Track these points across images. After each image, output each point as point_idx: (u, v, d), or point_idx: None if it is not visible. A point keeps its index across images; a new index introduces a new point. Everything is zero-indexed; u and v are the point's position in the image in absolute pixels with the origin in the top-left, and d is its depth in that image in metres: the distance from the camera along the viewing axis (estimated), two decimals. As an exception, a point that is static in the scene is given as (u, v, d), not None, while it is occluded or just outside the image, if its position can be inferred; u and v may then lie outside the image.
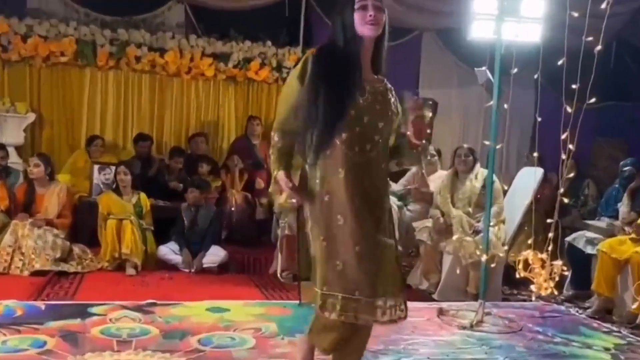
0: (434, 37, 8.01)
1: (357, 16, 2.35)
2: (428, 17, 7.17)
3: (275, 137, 2.38)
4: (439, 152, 5.75)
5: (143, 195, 5.55)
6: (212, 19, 6.82)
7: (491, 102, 3.79)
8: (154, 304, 4.04)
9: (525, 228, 5.11)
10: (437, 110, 7.76)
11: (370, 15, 2.34)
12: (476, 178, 5.00)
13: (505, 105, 3.99)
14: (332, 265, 2.25)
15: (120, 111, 6.84)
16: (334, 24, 2.43)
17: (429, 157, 5.53)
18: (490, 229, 4.48)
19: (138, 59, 6.62)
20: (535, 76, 4.09)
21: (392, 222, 2.41)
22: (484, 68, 4.90)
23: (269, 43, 7.10)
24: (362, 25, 2.34)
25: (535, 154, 4.23)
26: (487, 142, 3.83)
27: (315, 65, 2.38)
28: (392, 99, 2.49)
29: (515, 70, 4.11)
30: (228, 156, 6.77)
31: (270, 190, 2.65)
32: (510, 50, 4.38)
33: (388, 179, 2.51)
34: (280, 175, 2.31)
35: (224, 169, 6.62)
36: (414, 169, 5.50)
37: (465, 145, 5.26)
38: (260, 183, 6.55)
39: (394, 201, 5.23)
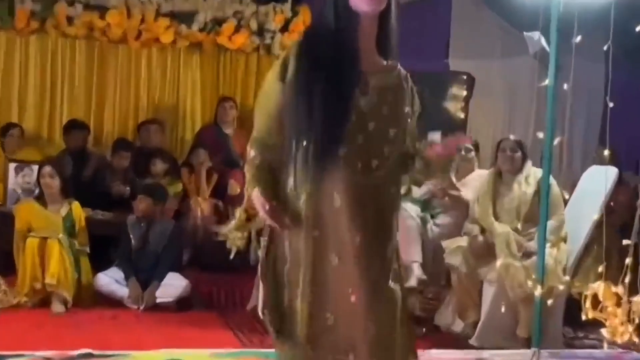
0: (467, -12, 8.02)
1: None
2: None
3: (252, 152, 2.39)
4: (476, 146, 5.70)
5: (76, 205, 5.51)
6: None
7: (546, 81, 3.73)
8: (90, 356, 3.99)
9: (595, 248, 5.07)
10: (473, 88, 7.77)
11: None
12: (527, 181, 4.96)
13: (565, 86, 3.94)
14: (321, 318, 2.25)
15: (46, 90, 6.81)
16: None
17: (462, 152, 5.48)
18: (547, 250, 4.43)
19: (70, 20, 6.62)
20: (606, 46, 4.04)
21: (398, 258, 2.40)
22: (536, 33, 4.85)
23: (247, -1, 7.08)
24: None
25: (607, 151, 4.18)
26: (540, 135, 3.78)
27: (300, 58, 2.32)
28: (408, 93, 2.42)
29: (579, 38, 4.06)
30: (192, 150, 6.73)
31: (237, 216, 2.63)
32: (571, 10, 4.33)
33: (400, 204, 2.48)
34: (255, 193, 2.32)
35: (185, 168, 6.58)
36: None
37: (511, 137, 5.22)
38: (234, 187, 6.49)
39: (415, 212, 5.18)
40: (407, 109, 2.40)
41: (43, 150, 6.55)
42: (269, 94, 2.36)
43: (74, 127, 6.57)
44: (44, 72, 6.77)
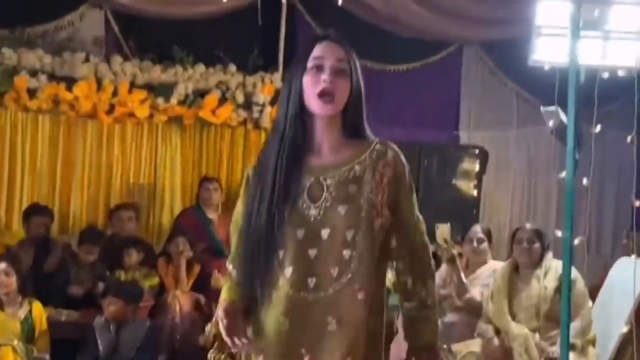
0: (479, 54, 8.16)
1: (306, 80, 2.37)
2: (471, 25, 7.29)
3: (229, 266, 2.52)
4: (488, 234, 5.66)
5: (36, 306, 5.44)
6: (146, 33, 6.92)
7: (563, 173, 3.72)
8: None
9: (629, 350, 4.98)
10: (486, 163, 7.80)
11: (324, 82, 2.30)
12: (546, 276, 4.91)
13: (585, 181, 3.93)
14: None
15: (4, 171, 6.81)
16: (282, 88, 2.49)
17: (474, 243, 5.44)
18: (571, 356, 4.34)
19: (32, 92, 6.67)
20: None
21: None
22: (554, 107, 4.89)
23: (232, 67, 7.17)
24: (312, 97, 2.35)
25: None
26: (559, 233, 3.75)
27: (253, 168, 2.49)
28: (384, 173, 2.40)
29: (598, 124, 4.08)
30: (170, 238, 6.68)
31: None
32: (594, 78, 4.38)
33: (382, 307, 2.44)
34: (220, 305, 2.41)
35: (163, 259, 6.52)
36: (445, 264, 5.40)
37: (528, 226, 5.19)
38: (218, 279, 6.42)
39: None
40: (380, 195, 2.36)
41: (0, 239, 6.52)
42: (237, 212, 2.50)
43: (35, 212, 6.50)
44: (1, 149, 6.77)
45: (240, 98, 7.12)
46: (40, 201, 6.72)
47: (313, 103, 2.34)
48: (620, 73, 5.11)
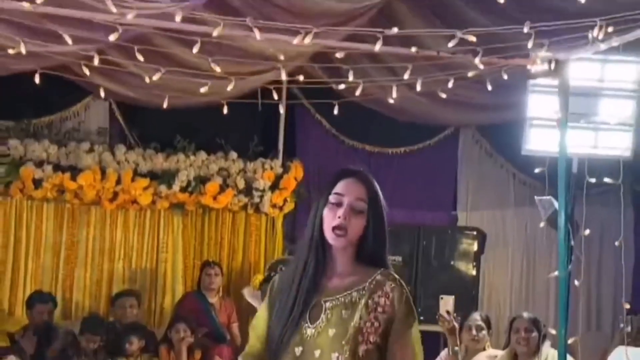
0: (476, 136, 8.23)
1: (326, 213, 2.55)
2: (467, 110, 7.39)
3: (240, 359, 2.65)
4: (487, 322, 5.67)
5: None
6: (149, 122, 7.02)
7: (555, 273, 3.77)
8: None
9: None
10: (484, 243, 7.82)
11: (339, 218, 2.46)
12: (545, 364, 4.90)
13: (576, 282, 3.98)
14: None
15: (8, 258, 6.84)
16: (310, 213, 2.62)
17: (473, 331, 5.45)
18: None
19: (38, 182, 6.76)
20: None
21: None
22: (548, 197, 4.97)
23: (233, 155, 7.29)
24: (327, 229, 2.53)
25: (628, 328, 4.16)
26: (553, 331, 3.77)
27: (279, 275, 2.64)
28: (379, 302, 2.48)
29: (587, 231, 4.15)
30: (171, 324, 6.67)
31: None
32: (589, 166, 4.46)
33: None
34: None
35: (164, 346, 6.50)
36: (443, 352, 5.40)
37: (525, 315, 5.19)
38: (221, 365, 6.45)
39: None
40: (369, 323, 2.45)
41: (3, 325, 6.50)
42: (258, 316, 2.63)
43: (38, 299, 6.49)
44: (6, 237, 6.82)
45: (241, 184, 7.22)
46: (43, 288, 6.74)
47: (328, 234, 2.50)
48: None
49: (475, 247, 7.77)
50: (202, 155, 7.20)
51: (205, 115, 6.86)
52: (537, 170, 4.84)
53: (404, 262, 7.20)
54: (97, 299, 7.04)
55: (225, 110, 6.34)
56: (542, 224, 4.62)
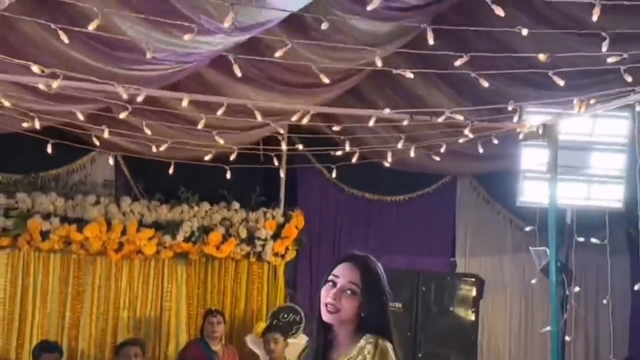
0: (473, 184, 8.32)
1: (322, 290, 2.80)
2: (464, 160, 7.46)
3: None
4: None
5: None
6: (154, 174, 7.08)
7: (548, 328, 3.84)
8: None
9: None
10: (483, 289, 7.86)
11: (329, 297, 2.72)
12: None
13: (567, 338, 4.04)
14: None
15: (15, 308, 6.86)
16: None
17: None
18: None
19: (45, 234, 6.81)
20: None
21: None
22: (542, 248, 5.05)
23: (235, 205, 7.40)
24: (322, 305, 2.78)
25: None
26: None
27: (306, 352, 2.96)
28: None
29: (577, 288, 4.24)
30: (175, 373, 6.73)
31: None
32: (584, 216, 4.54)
33: None
34: None
35: (168, 396, 6.54)
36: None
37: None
38: (222, 413, 6.47)
39: None
40: None
41: (9, 376, 6.56)
42: None
43: (45, 349, 6.48)
44: (14, 288, 6.84)
45: (243, 233, 7.30)
46: (49, 337, 6.76)
47: (322, 310, 2.74)
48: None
49: (474, 292, 7.82)
50: (206, 205, 7.31)
51: (208, 167, 6.88)
52: (528, 229, 4.96)
53: (404, 308, 7.25)
54: (102, 348, 7.06)
55: (229, 160, 6.40)
56: (533, 281, 4.70)
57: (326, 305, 2.71)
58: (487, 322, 8.08)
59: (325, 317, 2.73)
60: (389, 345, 2.68)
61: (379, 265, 2.81)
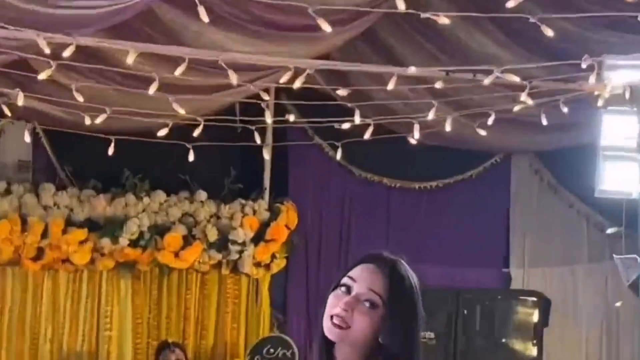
0: (534, 165, 8.30)
1: (330, 296, 2.73)
2: (521, 131, 7.45)
3: None
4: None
5: None
6: (87, 154, 7.16)
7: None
8: None
9: None
10: (549, 312, 7.91)
11: (339, 307, 2.65)
12: None
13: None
14: None
15: None
16: None
17: None
18: None
19: None
20: None
21: None
22: (634, 257, 5.13)
23: (201, 195, 7.46)
24: (326, 317, 2.70)
25: None
26: None
27: None
28: None
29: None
30: None
31: None
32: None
33: None
34: None
35: None
36: None
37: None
38: None
39: None
40: None
41: None
42: None
43: None
44: None
45: (212, 235, 7.35)
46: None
47: (325, 324, 2.65)
48: None
49: (535, 317, 7.90)
50: (160, 196, 7.38)
51: (163, 145, 6.80)
52: (611, 231, 5.03)
53: (437, 339, 7.35)
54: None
55: (193, 135, 6.43)
56: (618, 303, 4.78)
57: (332, 317, 2.64)
58: (554, 359, 8.11)
59: (329, 333, 2.66)
60: None
61: (414, 275, 2.75)
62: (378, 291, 2.66)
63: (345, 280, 2.68)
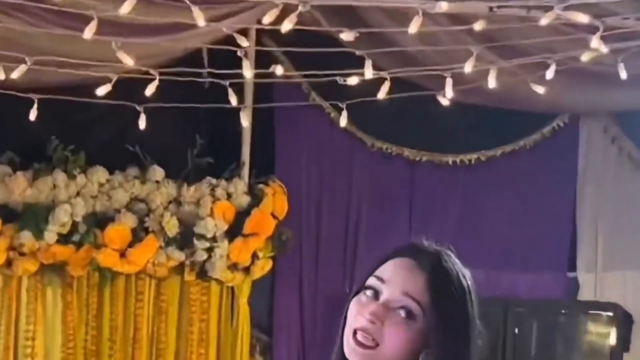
0: (610, 131, 8.31)
1: (351, 305, 2.74)
2: (591, 89, 7.46)
3: None
4: None
5: None
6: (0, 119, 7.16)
7: None
8: None
9: None
10: (630, 332, 7.95)
11: (366, 317, 2.66)
12: None
13: None
14: None
15: None
16: None
17: None
18: None
19: None
20: None
21: None
22: None
23: (156, 173, 7.53)
24: (347, 334, 2.72)
25: None
26: None
27: None
28: None
29: None
30: None
31: None
32: None
33: None
34: None
35: None
36: None
37: None
38: None
39: None
40: None
41: None
42: None
43: None
44: None
45: (171, 228, 7.42)
46: None
47: (347, 341, 2.69)
48: None
49: (612, 338, 7.93)
50: (100, 174, 7.42)
51: (105, 107, 6.85)
52: None
53: (480, 365, 7.39)
54: None
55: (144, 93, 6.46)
56: None
57: (356, 333, 2.67)
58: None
59: (352, 354, 2.69)
60: None
61: (466, 272, 2.73)
62: (416, 295, 2.66)
63: (371, 281, 2.71)
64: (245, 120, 7.04)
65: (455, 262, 2.72)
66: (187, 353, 7.63)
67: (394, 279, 2.68)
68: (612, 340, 7.89)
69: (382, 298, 2.66)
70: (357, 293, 2.72)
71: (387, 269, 2.70)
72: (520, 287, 8.17)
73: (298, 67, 7.03)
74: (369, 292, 2.68)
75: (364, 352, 2.65)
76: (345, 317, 2.72)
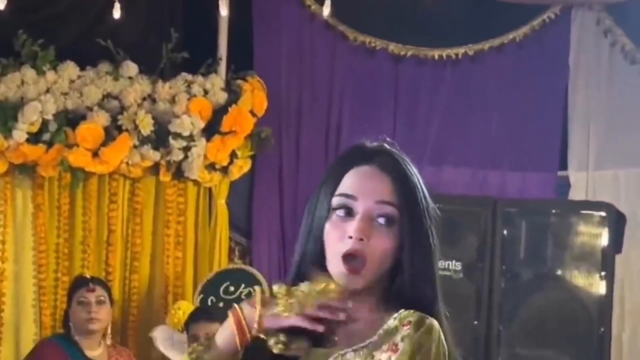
0: (604, 23, 8.29)
1: (328, 230, 2.78)
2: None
3: None
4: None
5: None
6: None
7: None
8: None
9: None
10: (623, 232, 7.95)
11: (351, 237, 2.67)
12: None
13: None
14: None
15: None
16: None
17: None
18: None
19: None
20: None
21: None
22: None
23: (129, 68, 7.47)
24: (333, 258, 2.75)
25: None
26: None
27: None
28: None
29: None
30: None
31: None
32: None
33: None
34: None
35: None
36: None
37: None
38: None
39: None
40: None
41: None
42: None
43: None
44: None
45: (146, 126, 7.37)
46: None
47: (335, 269, 2.71)
48: None
49: (603, 240, 7.90)
50: (70, 70, 7.38)
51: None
52: None
53: (466, 271, 7.33)
54: None
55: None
56: None
57: (345, 257, 2.68)
58: (631, 299, 8.16)
59: (347, 279, 2.69)
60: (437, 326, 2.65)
61: (415, 169, 2.77)
62: (390, 199, 2.70)
63: (339, 200, 2.72)
64: (224, 9, 6.92)
65: (402, 153, 2.77)
66: (163, 256, 7.63)
67: (363, 191, 2.70)
68: (604, 241, 7.83)
69: (360, 212, 2.68)
70: (329, 217, 2.71)
71: (351, 183, 2.72)
72: (509, 187, 8.17)
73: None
74: (340, 212, 2.70)
75: (356, 277, 2.68)
76: (308, 243, 2.76)
